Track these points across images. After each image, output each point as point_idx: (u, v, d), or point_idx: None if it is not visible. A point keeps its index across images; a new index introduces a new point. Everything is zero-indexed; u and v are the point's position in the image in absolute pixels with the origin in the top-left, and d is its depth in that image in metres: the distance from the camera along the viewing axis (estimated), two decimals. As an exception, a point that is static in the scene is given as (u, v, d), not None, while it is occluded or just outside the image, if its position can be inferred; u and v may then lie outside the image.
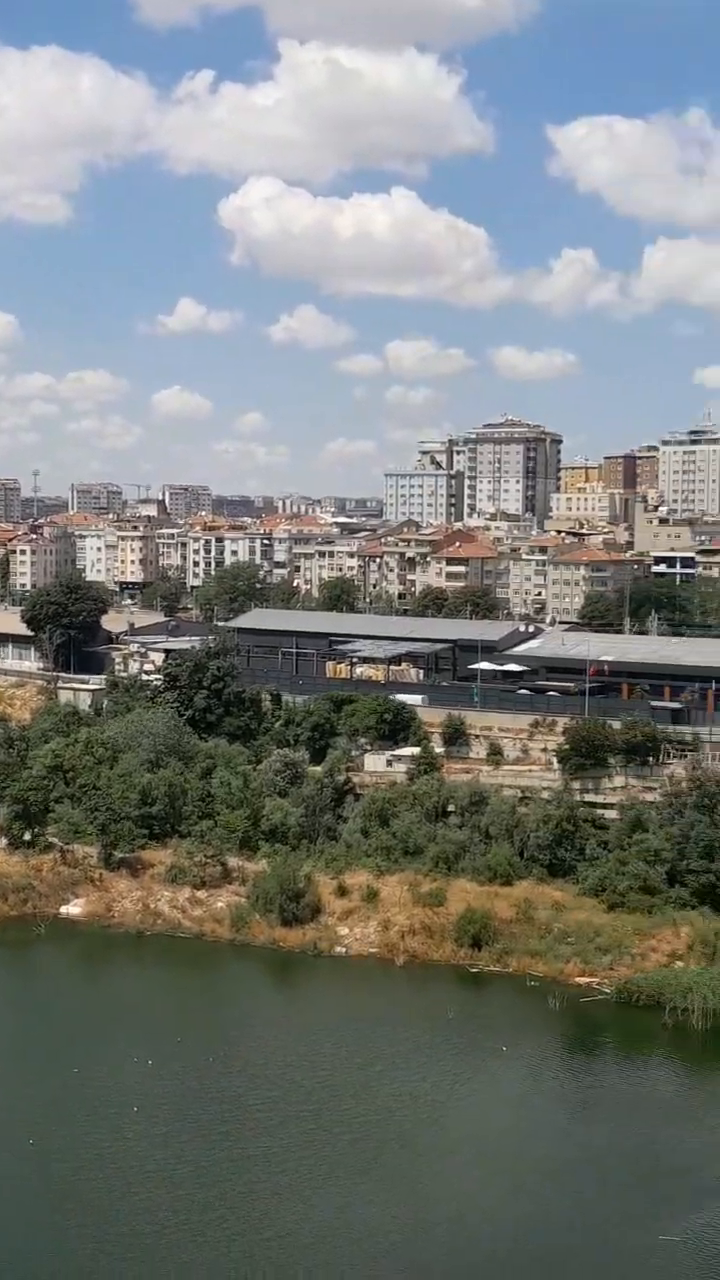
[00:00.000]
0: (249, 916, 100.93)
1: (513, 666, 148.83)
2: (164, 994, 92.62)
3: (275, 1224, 60.12)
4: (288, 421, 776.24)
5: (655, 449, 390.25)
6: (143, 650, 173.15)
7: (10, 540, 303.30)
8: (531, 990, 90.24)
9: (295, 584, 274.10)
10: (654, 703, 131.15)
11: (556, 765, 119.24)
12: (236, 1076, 76.33)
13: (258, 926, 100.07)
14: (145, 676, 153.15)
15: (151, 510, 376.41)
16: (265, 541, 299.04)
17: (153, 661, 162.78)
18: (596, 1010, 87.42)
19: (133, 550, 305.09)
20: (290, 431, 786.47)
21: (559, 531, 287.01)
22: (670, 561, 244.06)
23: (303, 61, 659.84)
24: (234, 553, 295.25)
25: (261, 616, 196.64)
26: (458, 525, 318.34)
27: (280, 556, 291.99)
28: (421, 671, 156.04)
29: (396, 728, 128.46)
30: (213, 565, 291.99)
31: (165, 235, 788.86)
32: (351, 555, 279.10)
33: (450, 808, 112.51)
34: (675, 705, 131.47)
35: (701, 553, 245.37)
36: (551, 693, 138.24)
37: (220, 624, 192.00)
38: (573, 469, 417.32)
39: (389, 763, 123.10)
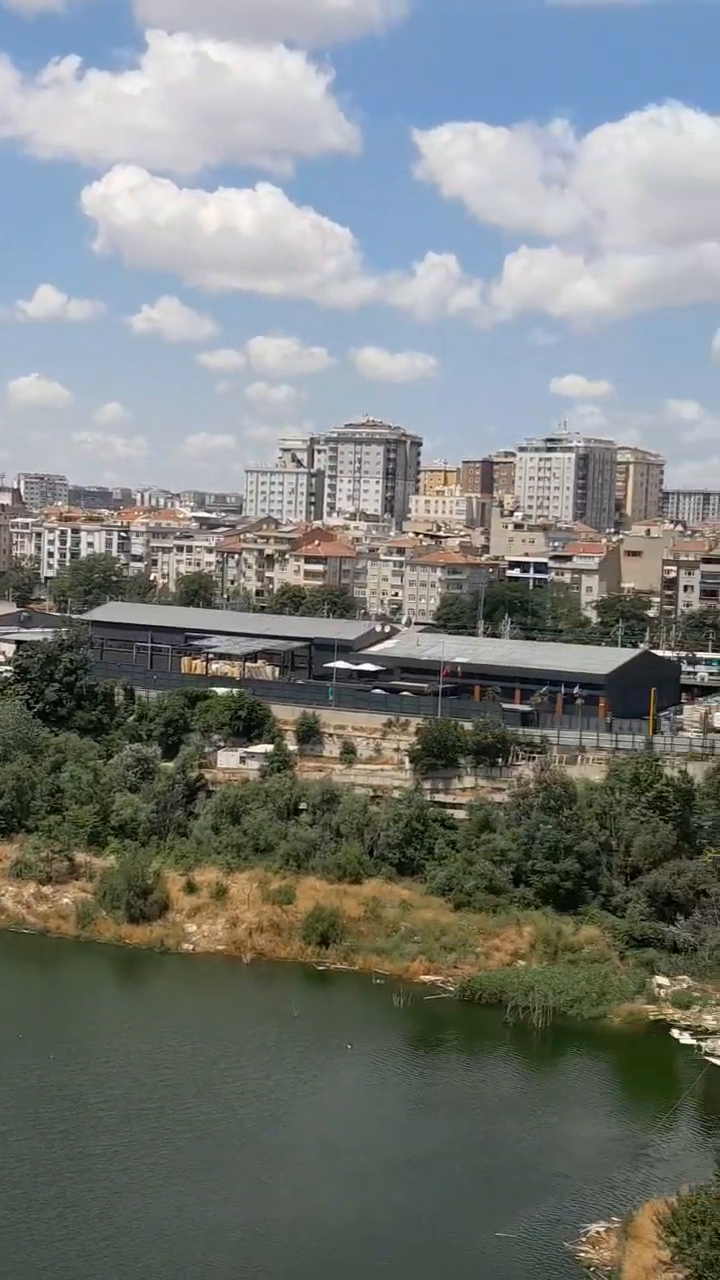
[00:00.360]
0: (95, 913, 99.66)
1: (368, 666, 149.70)
2: (5, 990, 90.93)
3: (114, 1222, 59.50)
4: (148, 413, 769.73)
5: (512, 455, 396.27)
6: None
7: None
8: (377, 988, 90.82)
9: (152, 578, 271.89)
10: (505, 705, 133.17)
11: (408, 765, 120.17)
12: (78, 1074, 75.36)
13: (104, 923, 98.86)
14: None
15: (6, 499, 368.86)
16: (122, 534, 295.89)
17: (3, 653, 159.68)
18: (440, 1008, 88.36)
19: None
20: (150, 424, 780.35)
21: (417, 533, 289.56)
22: (524, 566, 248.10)
23: (170, 53, 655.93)
24: (90, 544, 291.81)
25: (117, 610, 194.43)
26: (317, 524, 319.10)
27: (137, 550, 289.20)
28: (277, 669, 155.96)
29: (251, 724, 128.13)
30: (68, 556, 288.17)
31: (26, 221, 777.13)
32: (210, 550, 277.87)
33: (302, 806, 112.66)
34: (525, 708, 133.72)
35: (554, 558, 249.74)
36: (405, 693, 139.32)
37: (74, 616, 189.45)
38: (431, 472, 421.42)
39: (242, 760, 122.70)
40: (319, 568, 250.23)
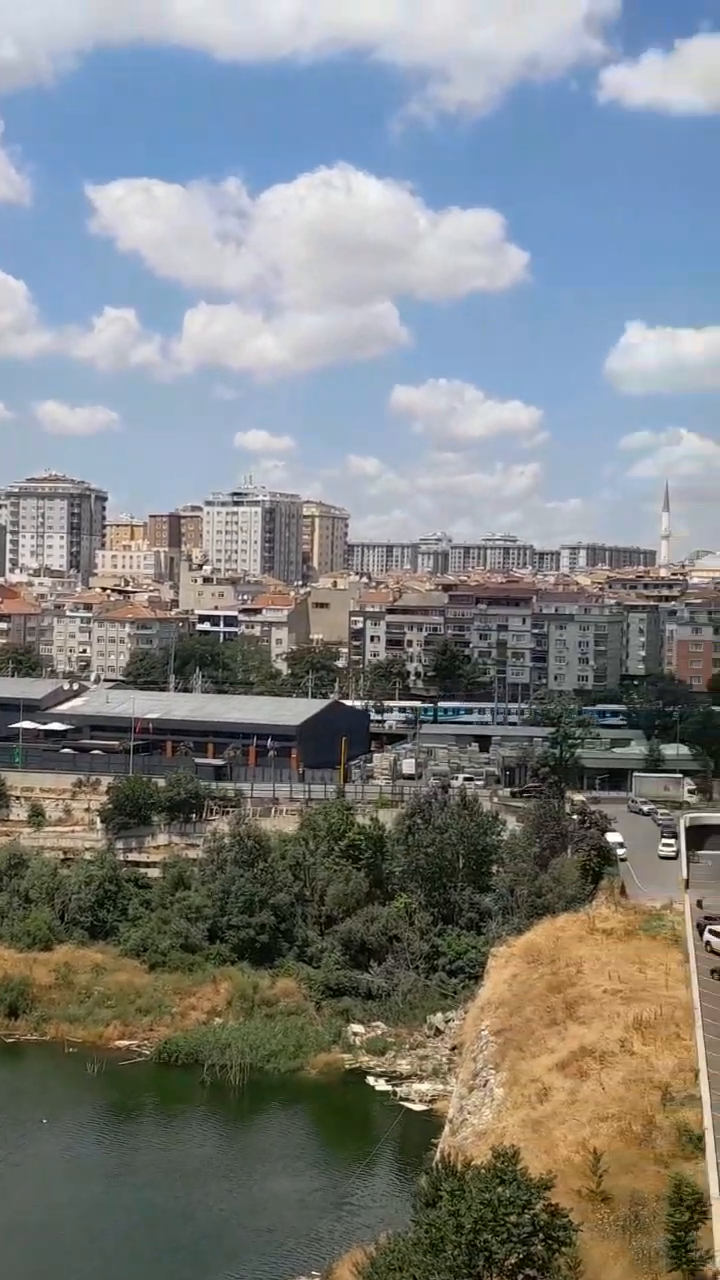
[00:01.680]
0: None
1: (56, 725, 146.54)
2: None
3: None
4: None
5: (199, 509, 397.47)
6: None
7: None
8: (71, 1057, 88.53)
9: None
10: (198, 760, 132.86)
11: (100, 825, 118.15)
12: None
13: None
14: None
15: None
16: None
17: None
18: (136, 1073, 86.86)
19: None
20: None
21: (104, 589, 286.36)
22: (214, 620, 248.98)
23: None
24: None
25: None
26: None
27: None
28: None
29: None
30: None
31: None
32: None
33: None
34: (218, 762, 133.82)
35: (244, 611, 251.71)
36: (96, 751, 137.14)
37: None
38: (118, 526, 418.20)
39: None
40: (2, 625, 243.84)
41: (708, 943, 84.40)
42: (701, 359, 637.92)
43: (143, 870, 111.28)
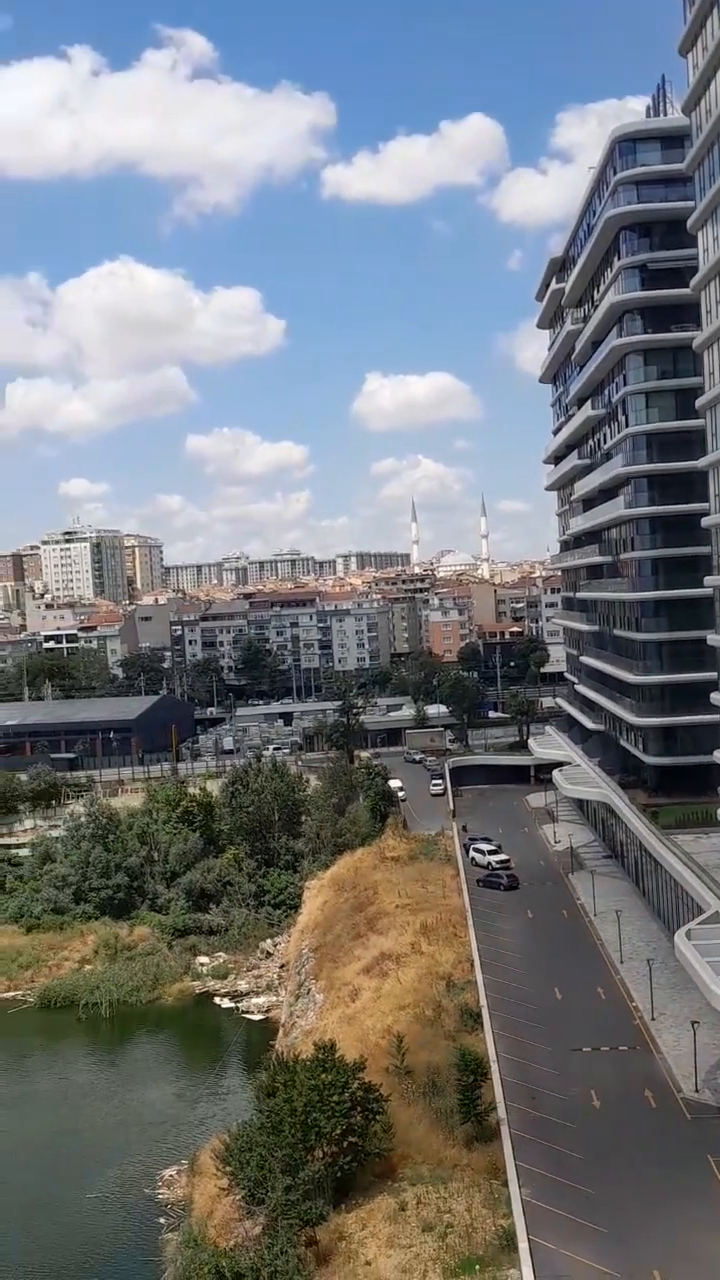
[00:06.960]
0: None
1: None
2: None
3: None
4: None
5: (37, 547, 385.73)
6: None
7: None
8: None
9: None
10: (54, 755, 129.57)
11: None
12: None
13: None
14: None
15: None
16: None
17: None
18: (23, 1018, 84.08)
19: None
20: None
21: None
22: (57, 638, 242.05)
23: None
24: None
25: None
26: None
27: None
28: None
29: None
30: None
31: None
32: None
33: None
34: (71, 755, 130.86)
35: (82, 629, 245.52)
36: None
37: None
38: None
39: None
40: None
41: (472, 859, 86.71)
42: (426, 399, 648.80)
43: (14, 851, 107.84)
